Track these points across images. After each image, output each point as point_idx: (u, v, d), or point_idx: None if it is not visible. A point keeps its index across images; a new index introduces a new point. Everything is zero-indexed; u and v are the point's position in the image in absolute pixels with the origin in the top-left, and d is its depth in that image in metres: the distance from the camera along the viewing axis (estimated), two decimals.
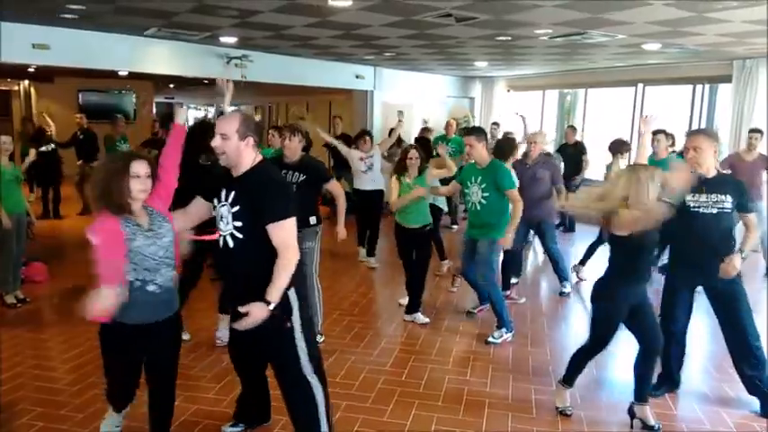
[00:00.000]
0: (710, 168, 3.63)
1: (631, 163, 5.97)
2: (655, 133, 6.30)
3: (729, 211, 3.58)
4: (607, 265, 3.44)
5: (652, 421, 3.43)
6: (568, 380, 3.65)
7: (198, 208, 2.96)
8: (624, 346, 4.09)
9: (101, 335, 2.66)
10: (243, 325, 2.55)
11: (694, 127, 9.38)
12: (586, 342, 3.58)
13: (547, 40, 7.27)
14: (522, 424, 3.53)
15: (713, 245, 3.55)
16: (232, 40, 8.03)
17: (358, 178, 7.43)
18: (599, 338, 3.48)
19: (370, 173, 7.35)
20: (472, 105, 13.25)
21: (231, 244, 2.70)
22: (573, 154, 9.24)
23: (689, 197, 3.58)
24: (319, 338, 4.60)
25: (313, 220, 4.46)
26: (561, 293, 6.19)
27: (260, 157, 2.77)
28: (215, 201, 2.80)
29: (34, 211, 6.80)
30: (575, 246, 8.46)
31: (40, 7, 6.16)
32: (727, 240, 3.60)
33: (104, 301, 2.45)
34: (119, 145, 9.06)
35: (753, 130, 7.18)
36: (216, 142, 2.68)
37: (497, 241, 4.76)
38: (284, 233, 2.62)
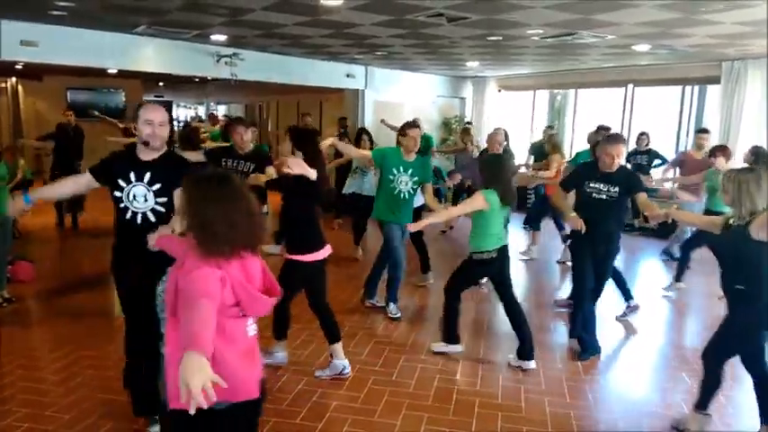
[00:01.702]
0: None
1: None
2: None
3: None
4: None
5: None
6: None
7: (88, 182, 3.14)
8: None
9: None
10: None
11: (683, 128, 9.51)
12: None
13: (538, 40, 7.29)
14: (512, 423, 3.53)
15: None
16: (222, 38, 7.99)
17: (365, 181, 7.28)
18: None
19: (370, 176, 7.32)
20: (463, 105, 13.27)
21: (153, 218, 2.97)
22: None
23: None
24: None
25: (265, 208, 4.93)
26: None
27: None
28: (120, 181, 2.98)
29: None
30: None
31: (29, 4, 6.10)
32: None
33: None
34: None
35: (700, 131, 7.49)
36: (155, 130, 2.96)
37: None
38: None
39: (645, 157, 8.80)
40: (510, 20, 6.10)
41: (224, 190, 1.94)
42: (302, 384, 3.91)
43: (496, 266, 4.26)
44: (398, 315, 5.30)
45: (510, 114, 12.47)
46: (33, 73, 13.30)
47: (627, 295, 5.50)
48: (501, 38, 7.26)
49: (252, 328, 2.04)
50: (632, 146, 9.25)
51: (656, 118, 10.32)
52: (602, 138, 5.12)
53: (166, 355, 1.97)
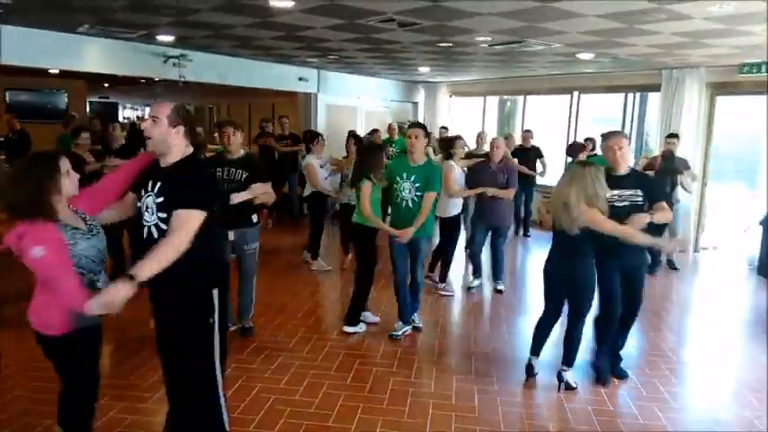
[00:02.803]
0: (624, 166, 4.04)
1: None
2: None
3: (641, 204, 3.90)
4: None
5: None
6: None
7: (132, 200, 2.78)
8: None
9: (60, 345, 2.54)
10: (99, 303, 2.30)
11: (626, 132, 9.81)
12: None
13: (487, 47, 7.43)
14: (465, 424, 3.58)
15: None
16: (169, 38, 7.82)
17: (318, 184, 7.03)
18: None
19: (331, 178, 7.27)
20: (416, 110, 13.40)
21: (156, 234, 2.57)
22: (529, 158, 9.44)
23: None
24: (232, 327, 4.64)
25: (255, 218, 4.62)
26: (470, 288, 6.50)
27: (191, 150, 2.69)
28: (142, 191, 2.66)
29: None
30: (530, 250, 8.77)
31: None
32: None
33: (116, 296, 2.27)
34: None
35: (670, 135, 7.74)
36: (145, 125, 2.61)
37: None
38: (186, 219, 2.48)
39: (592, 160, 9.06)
40: (460, 26, 6.19)
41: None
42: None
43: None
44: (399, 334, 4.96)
45: (461, 119, 12.65)
46: None
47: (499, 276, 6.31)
48: (451, 44, 7.37)
49: None
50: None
51: (600, 123, 10.65)
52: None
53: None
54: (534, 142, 9.65)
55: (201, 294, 2.62)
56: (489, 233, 6.42)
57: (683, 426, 3.64)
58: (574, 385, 4.04)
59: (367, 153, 5.13)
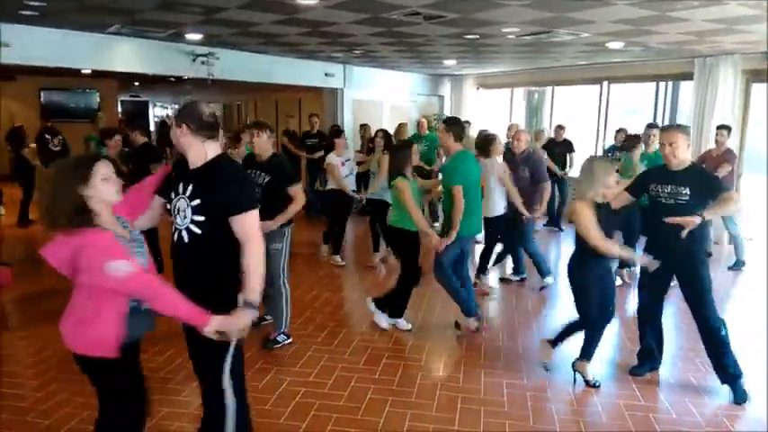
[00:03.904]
0: (684, 161, 3.75)
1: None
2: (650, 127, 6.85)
3: (684, 202, 3.66)
4: None
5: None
6: None
7: (159, 205, 2.76)
8: None
9: (104, 365, 2.34)
10: (223, 323, 2.35)
11: (659, 122, 9.61)
12: None
13: (514, 38, 7.35)
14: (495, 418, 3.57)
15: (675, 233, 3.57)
16: (197, 37, 7.92)
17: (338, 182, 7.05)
18: None
19: (352, 177, 7.27)
20: (442, 103, 13.33)
21: (186, 239, 2.51)
22: (560, 153, 9.33)
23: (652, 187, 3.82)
24: (287, 340, 4.60)
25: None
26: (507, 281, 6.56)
27: (219, 151, 2.61)
28: (172, 194, 2.60)
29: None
30: (561, 244, 8.69)
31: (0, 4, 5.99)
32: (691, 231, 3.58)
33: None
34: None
35: (720, 127, 7.35)
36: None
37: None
38: (249, 222, 2.48)
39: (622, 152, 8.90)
40: (486, 18, 6.14)
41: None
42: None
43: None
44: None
45: (488, 112, 12.56)
46: (6, 73, 13.04)
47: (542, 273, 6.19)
48: (478, 36, 7.31)
49: None
50: (610, 142, 9.42)
51: (631, 114, 10.47)
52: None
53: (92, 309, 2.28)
54: (566, 136, 9.51)
55: (231, 296, 2.53)
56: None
57: (717, 421, 3.57)
58: (593, 381, 3.99)
59: (395, 150, 5.08)
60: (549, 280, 6.25)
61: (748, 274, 7.17)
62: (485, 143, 5.97)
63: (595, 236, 3.62)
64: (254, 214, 2.52)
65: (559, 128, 9.57)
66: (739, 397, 3.77)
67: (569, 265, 3.95)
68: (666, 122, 9.81)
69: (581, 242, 3.77)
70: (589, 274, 3.83)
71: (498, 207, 5.97)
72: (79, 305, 2.31)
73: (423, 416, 3.56)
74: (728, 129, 7.29)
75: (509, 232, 6.22)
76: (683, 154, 3.73)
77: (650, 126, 6.88)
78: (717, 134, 7.27)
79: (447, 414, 3.60)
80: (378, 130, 7.98)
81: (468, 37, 7.39)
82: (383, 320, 5.01)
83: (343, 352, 4.51)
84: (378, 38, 7.66)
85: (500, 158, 6.11)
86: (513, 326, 5.23)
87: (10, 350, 4.45)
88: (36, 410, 3.50)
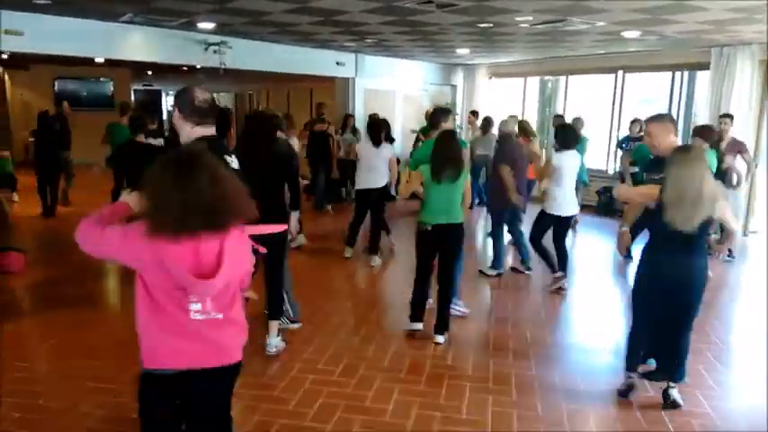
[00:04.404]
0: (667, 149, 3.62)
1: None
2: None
3: None
4: None
5: None
6: None
7: None
8: None
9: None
10: None
11: (674, 114, 9.51)
12: None
13: (528, 27, 7.27)
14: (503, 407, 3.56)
15: None
16: (210, 26, 7.92)
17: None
18: None
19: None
20: (454, 93, 13.25)
21: None
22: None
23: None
24: (297, 326, 4.62)
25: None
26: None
27: (197, 134, 2.62)
28: None
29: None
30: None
31: None
32: None
33: None
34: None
35: (723, 116, 7.25)
36: None
37: None
38: None
39: (638, 143, 8.77)
40: (500, 6, 6.08)
41: (181, 172, 1.90)
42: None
43: (430, 240, 4.42)
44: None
45: (501, 101, 12.46)
46: (20, 62, 13.14)
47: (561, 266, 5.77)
48: (491, 24, 7.24)
49: (198, 316, 2.01)
50: (624, 132, 9.31)
51: (646, 104, 10.34)
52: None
53: (140, 321, 2.02)
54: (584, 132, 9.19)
55: None
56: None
57: (727, 414, 3.53)
58: (681, 403, 3.54)
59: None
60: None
61: (747, 271, 7.07)
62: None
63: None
64: None
65: (577, 120, 9.28)
66: (680, 376, 3.59)
67: (700, 266, 3.42)
68: (682, 113, 9.68)
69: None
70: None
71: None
72: (234, 309, 2.13)
73: (454, 420, 3.51)
74: (731, 117, 7.18)
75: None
76: (665, 143, 3.72)
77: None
78: (721, 122, 7.12)
79: (477, 416, 3.57)
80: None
81: (482, 26, 7.32)
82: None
83: (366, 350, 4.43)
84: (390, 27, 7.61)
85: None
86: (547, 323, 5.20)
87: (21, 335, 4.51)
88: (48, 394, 3.53)
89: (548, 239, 5.86)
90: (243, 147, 4.05)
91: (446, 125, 5.03)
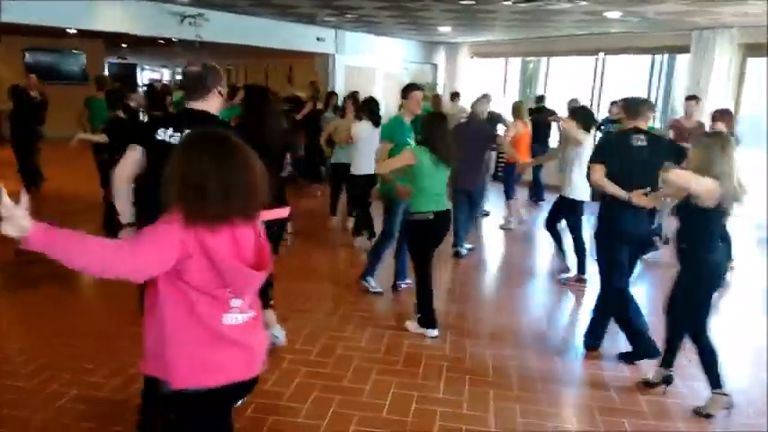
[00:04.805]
0: None
1: None
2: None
3: None
4: None
5: None
6: None
7: None
8: None
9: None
10: None
11: (653, 96, 9.57)
12: None
13: (510, 5, 7.20)
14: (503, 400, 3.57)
15: None
16: None
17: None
18: None
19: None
20: (435, 72, 13.15)
21: None
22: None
23: None
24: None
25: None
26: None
27: (201, 108, 2.70)
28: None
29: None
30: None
31: None
32: None
33: None
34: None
35: (689, 98, 7.03)
36: None
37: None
38: None
39: (617, 125, 8.80)
40: None
41: (222, 154, 1.75)
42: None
43: (432, 229, 4.14)
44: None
45: (482, 81, 12.40)
46: None
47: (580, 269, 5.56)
48: (473, 2, 7.15)
49: (235, 317, 1.84)
50: (604, 114, 9.32)
51: (625, 86, 10.37)
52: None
53: (169, 334, 1.79)
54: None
55: None
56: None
57: (702, 394, 3.57)
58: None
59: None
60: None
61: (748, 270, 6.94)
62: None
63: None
64: None
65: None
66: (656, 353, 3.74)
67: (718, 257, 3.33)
68: (661, 96, 9.74)
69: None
70: None
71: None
72: (257, 311, 1.97)
73: (455, 415, 3.44)
74: (697, 99, 6.97)
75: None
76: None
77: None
78: (687, 105, 6.95)
79: (479, 412, 3.58)
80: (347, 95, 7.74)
81: (464, 2, 7.23)
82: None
83: (359, 339, 4.33)
84: (372, 2, 7.48)
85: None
86: (551, 315, 5.20)
87: None
88: (17, 375, 3.45)
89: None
90: (253, 125, 3.76)
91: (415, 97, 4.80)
